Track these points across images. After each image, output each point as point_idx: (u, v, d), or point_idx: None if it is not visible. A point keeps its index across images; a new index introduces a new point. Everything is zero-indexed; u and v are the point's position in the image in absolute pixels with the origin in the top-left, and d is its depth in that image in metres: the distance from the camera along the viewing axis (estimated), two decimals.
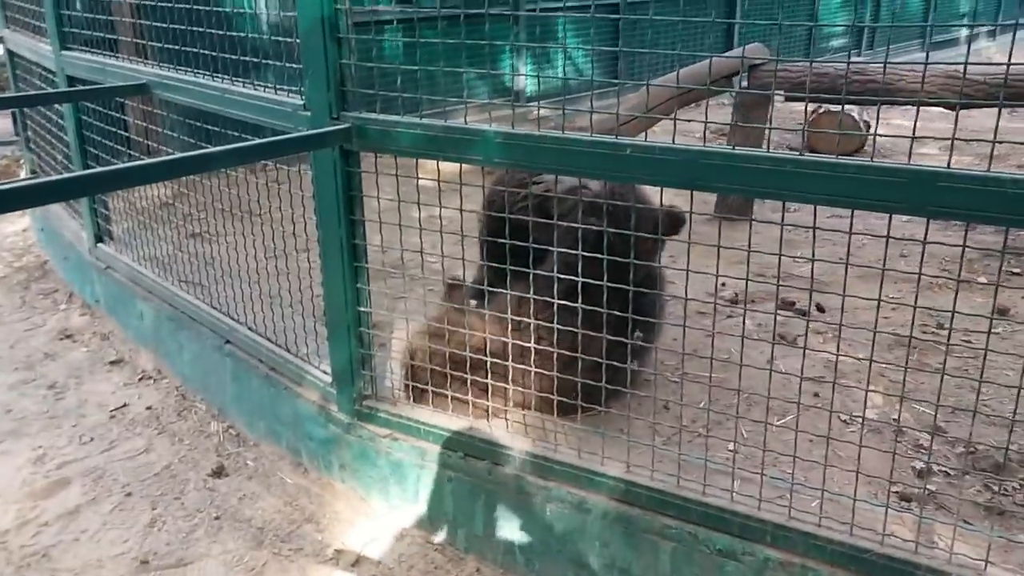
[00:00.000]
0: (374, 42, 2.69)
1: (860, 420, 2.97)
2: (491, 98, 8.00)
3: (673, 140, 2.08)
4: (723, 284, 4.47)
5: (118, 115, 4.35)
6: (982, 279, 4.58)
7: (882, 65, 5.19)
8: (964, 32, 15.64)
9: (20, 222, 6.69)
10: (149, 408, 3.91)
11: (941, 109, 7.04)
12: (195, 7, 3.31)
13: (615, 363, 2.53)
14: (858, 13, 13.92)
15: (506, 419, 2.78)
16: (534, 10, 8.90)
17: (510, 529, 2.73)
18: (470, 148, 2.42)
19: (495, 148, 2.37)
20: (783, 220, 2.05)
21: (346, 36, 2.60)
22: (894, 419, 3.06)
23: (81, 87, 4.20)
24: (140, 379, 4.20)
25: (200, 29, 3.28)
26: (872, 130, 7.64)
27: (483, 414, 2.82)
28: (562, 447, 2.63)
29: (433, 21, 5.70)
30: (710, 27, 11.52)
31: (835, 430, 2.89)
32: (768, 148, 2.00)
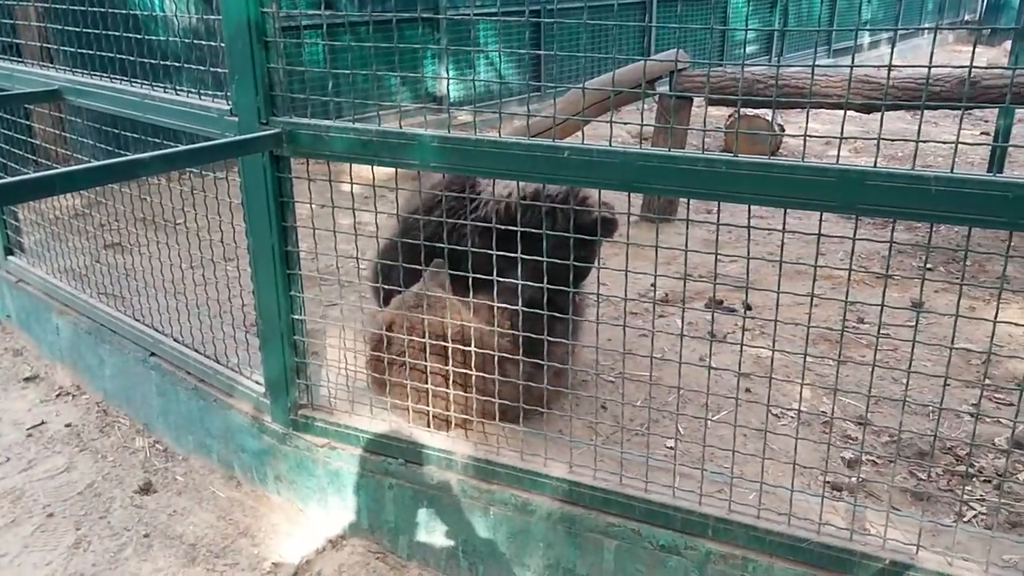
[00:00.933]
0: (297, 47, 2.65)
1: (791, 413, 3.07)
2: (413, 103, 7.96)
3: (610, 143, 2.11)
4: (652, 284, 4.55)
5: (25, 123, 4.17)
6: (897, 274, 4.77)
7: (797, 70, 5.39)
8: (867, 39, 16.31)
9: None
10: (69, 425, 3.75)
11: (852, 112, 7.33)
12: (105, 10, 3.21)
13: (556, 364, 2.54)
14: (767, 20, 14.37)
15: (448, 423, 2.76)
16: (466, 15, 8.89)
17: (453, 534, 2.71)
18: (405, 152, 2.41)
19: (431, 152, 2.36)
20: (719, 220, 2.10)
21: (274, 40, 2.55)
22: (823, 411, 3.17)
23: None
24: (58, 395, 4.02)
25: (111, 33, 3.18)
26: (785, 132, 7.91)
27: (424, 419, 2.79)
28: (504, 450, 2.63)
29: (355, 26, 5.64)
30: (628, 33, 11.73)
31: (768, 424, 2.97)
32: (702, 150, 2.04)
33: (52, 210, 4.34)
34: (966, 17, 21.64)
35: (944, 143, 1.68)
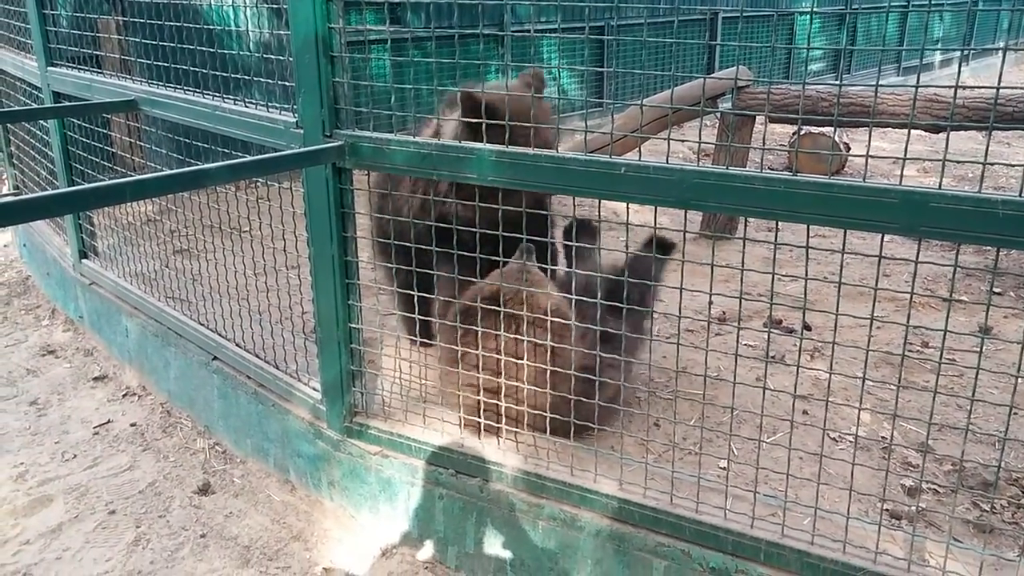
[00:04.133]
0: (369, 61, 2.72)
1: (849, 438, 3.00)
2: None
3: (667, 160, 2.11)
4: (709, 302, 4.50)
5: (103, 131, 4.33)
6: (964, 298, 4.64)
7: (862, 88, 5.30)
8: (938, 57, 15.92)
9: (2, 237, 6.63)
10: (133, 425, 3.87)
11: (920, 131, 7.17)
12: (182, 24, 3.32)
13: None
14: (835, 38, 14.14)
15: (498, 436, 2.78)
16: (524, 31, 8.96)
17: (501, 546, 2.72)
18: (464, 166, 2.44)
19: (489, 166, 2.38)
20: (776, 239, 2.07)
21: (339, 55, 2.61)
22: (883, 437, 3.09)
23: (68, 103, 4.18)
24: (124, 395, 4.16)
25: (187, 46, 3.29)
26: (851, 151, 7.75)
27: (475, 431, 2.81)
28: (554, 464, 2.63)
29: (420, 41, 5.73)
30: (692, 49, 11.66)
31: (825, 448, 2.91)
32: (761, 168, 2.03)
33: (125, 216, 4.49)
34: None
35: (1011, 165, 1.64)
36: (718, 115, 5.53)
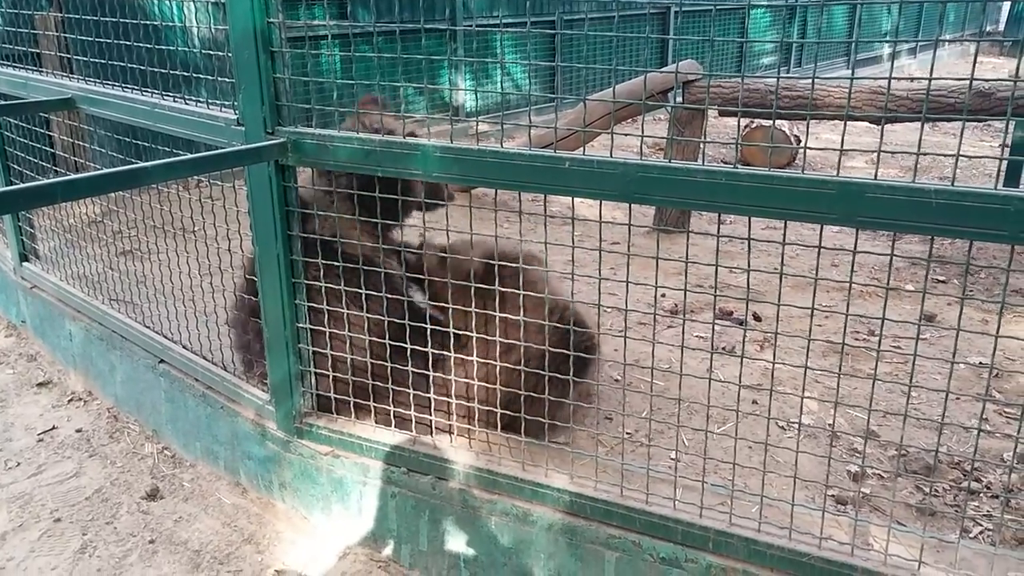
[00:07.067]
0: (310, 57, 2.67)
1: (797, 426, 3.04)
2: (430, 113, 7.99)
3: (611, 154, 2.11)
4: (663, 295, 4.53)
5: (43, 131, 4.22)
6: (910, 287, 4.73)
7: (810, 81, 5.36)
8: (887, 50, 16.21)
9: None
10: (79, 431, 3.78)
11: (867, 123, 7.29)
12: (125, 20, 3.24)
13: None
14: (786, 31, 14.32)
15: (450, 433, 2.76)
16: (471, 26, 8.92)
17: (455, 543, 2.71)
18: (408, 162, 2.42)
19: (434, 162, 2.37)
20: (719, 232, 2.09)
21: (280, 50, 2.57)
22: (829, 424, 3.14)
23: (3, 102, 4.07)
24: (69, 401, 4.06)
25: (130, 43, 3.21)
26: (802, 144, 7.87)
27: (427, 428, 2.79)
28: (506, 460, 2.63)
29: (370, 36, 5.67)
30: (645, 44, 11.73)
31: (773, 436, 2.95)
32: (703, 161, 2.04)
33: (67, 217, 4.39)
34: (988, 28, 21.50)
35: (943, 155, 1.67)
36: (669, 109, 5.58)
